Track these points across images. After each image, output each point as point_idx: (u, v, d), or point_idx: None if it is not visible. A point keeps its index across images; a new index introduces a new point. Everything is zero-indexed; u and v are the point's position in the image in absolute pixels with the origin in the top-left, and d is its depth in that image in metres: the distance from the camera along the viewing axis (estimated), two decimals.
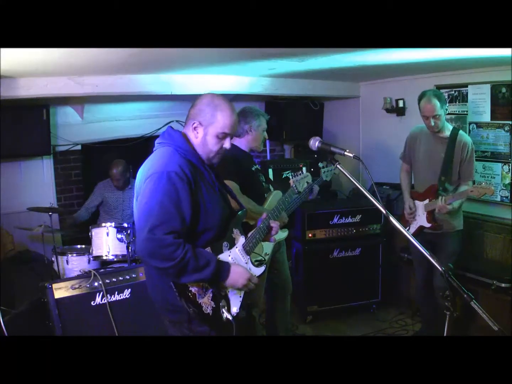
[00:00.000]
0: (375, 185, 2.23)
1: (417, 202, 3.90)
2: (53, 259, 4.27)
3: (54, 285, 3.33)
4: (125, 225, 4.31)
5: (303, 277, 4.63)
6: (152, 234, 2.00)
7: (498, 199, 4.43)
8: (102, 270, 3.88)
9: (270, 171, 5.47)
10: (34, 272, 4.18)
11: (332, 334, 4.44)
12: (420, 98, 3.67)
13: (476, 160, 4.55)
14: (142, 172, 2.24)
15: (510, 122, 4.29)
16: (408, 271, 4.78)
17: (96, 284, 3.49)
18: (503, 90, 4.29)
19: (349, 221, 4.76)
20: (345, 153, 2.12)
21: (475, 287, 4.03)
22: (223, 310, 2.17)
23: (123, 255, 4.19)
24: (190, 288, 2.13)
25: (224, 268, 2.18)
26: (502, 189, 4.43)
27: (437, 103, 3.57)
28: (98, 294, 3.47)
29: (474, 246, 4.51)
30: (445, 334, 1.86)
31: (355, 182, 2.11)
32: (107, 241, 4.21)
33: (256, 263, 2.45)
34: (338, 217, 4.72)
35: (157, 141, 2.35)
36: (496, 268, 4.16)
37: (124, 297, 3.58)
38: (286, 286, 3.75)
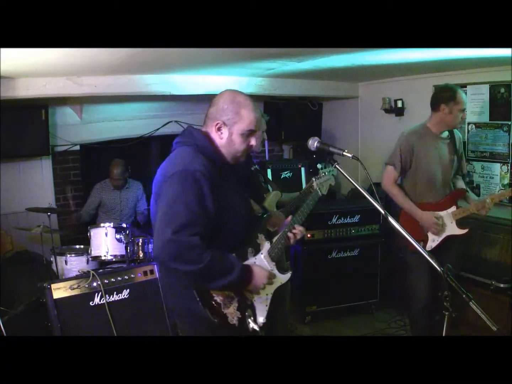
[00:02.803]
0: (374, 186, 2.22)
1: (438, 213, 3.49)
2: (51, 259, 4.26)
3: (53, 286, 3.33)
4: (124, 225, 4.32)
5: (301, 277, 4.62)
6: (177, 236, 1.89)
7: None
8: (100, 270, 3.88)
9: (269, 171, 5.48)
10: (33, 273, 4.18)
11: (331, 335, 4.44)
12: (454, 91, 3.40)
13: (475, 160, 4.59)
14: (163, 170, 2.12)
15: (509, 123, 4.30)
16: (407, 272, 4.77)
17: (94, 284, 3.49)
18: (502, 90, 4.30)
19: (348, 222, 4.76)
20: (344, 153, 2.11)
21: (474, 287, 4.03)
22: (249, 320, 2.08)
23: (121, 256, 4.20)
24: (215, 298, 2.03)
25: (247, 270, 2.08)
26: (501, 189, 4.43)
27: None
28: (96, 294, 3.46)
29: (473, 246, 4.51)
30: (444, 334, 1.86)
31: (353, 183, 2.11)
32: (105, 242, 4.21)
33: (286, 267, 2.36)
34: (336, 217, 4.71)
35: (176, 140, 2.23)
36: (494, 269, 4.16)
37: (123, 297, 3.58)
38: (284, 286, 3.74)
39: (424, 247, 3.41)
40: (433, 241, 3.50)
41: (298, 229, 2.39)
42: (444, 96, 3.43)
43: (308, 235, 4.63)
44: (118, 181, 5.09)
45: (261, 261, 2.22)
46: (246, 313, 2.09)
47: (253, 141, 2.18)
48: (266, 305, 2.20)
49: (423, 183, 3.55)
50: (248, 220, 2.24)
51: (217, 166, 2.12)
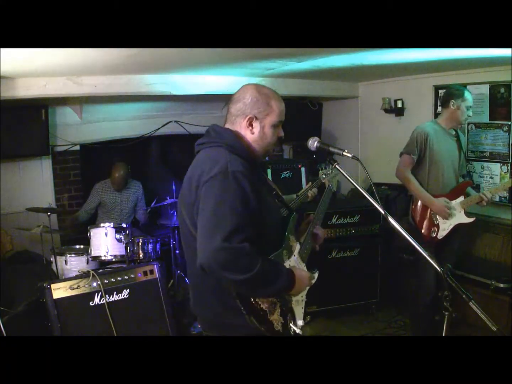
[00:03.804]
0: (374, 185, 2.22)
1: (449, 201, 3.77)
2: (51, 259, 4.27)
3: (53, 286, 3.34)
4: (124, 225, 4.32)
5: None
6: (228, 243, 1.74)
7: (497, 199, 4.43)
8: (100, 270, 3.88)
9: (269, 171, 5.47)
10: (32, 273, 4.18)
11: (331, 335, 4.44)
12: (462, 90, 3.75)
13: (475, 160, 4.58)
14: (196, 174, 1.96)
15: (508, 123, 4.30)
16: (407, 272, 4.78)
17: (94, 284, 3.49)
18: (502, 90, 4.30)
19: (348, 222, 4.76)
20: (344, 153, 2.11)
21: (474, 287, 4.03)
22: (291, 324, 2.02)
23: (121, 256, 4.20)
24: (260, 305, 1.92)
25: (292, 274, 1.98)
26: None
27: None
28: (96, 294, 3.47)
29: (472, 246, 4.51)
30: (444, 334, 1.86)
31: (353, 183, 2.11)
32: (105, 242, 4.21)
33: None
34: (336, 217, 4.71)
35: (200, 141, 2.10)
36: (494, 268, 4.16)
37: (123, 297, 3.58)
38: None
39: (436, 235, 3.75)
40: (444, 229, 3.75)
41: (320, 231, 2.35)
42: (454, 93, 3.76)
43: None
44: (118, 185, 5.10)
45: (294, 263, 2.14)
46: (288, 318, 2.03)
47: (281, 132, 2.14)
48: (302, 307, 2.15)
49: (435, 174, 3.79)
50: (281, 221, 2.17)
51: (251, 165, 2.02)
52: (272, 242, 2.06)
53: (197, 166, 2.00)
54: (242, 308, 1.87)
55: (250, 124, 2.05)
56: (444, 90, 4.77)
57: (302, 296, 2.16)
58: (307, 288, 2.18)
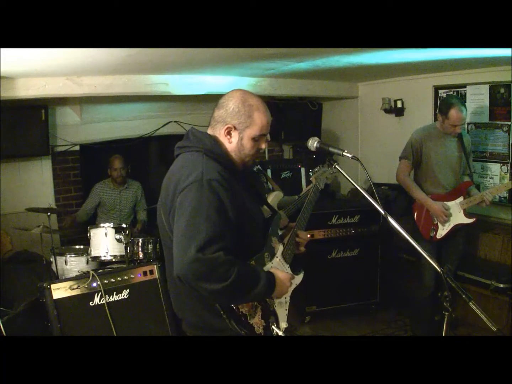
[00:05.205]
0: (374, 186, 2.22)
1: (447, 203, 3.81)
2: (51, 259, 4.26)
3: (53, 286, 3.33)
4: (124, 225, 4.31)
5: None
6: (202, 254, 1.73)
7: (497, 199, 4.43)
8: (100, 270, 3.88)
9: (269, 171, 5.48)
10: (32, 273, 4.18)
11: (331, 335, 4.44)
12: (448, 107, 3.65)
13: (475, 160, 4.59)
14: (173, 181, 1.96)
15: (508, 123, 4.30)
16: (407, 271, 4.78)
17: (94, 284, 3.48)
18: (502, 90, 4.30)
19: (348, 222, 4.76)
20: (344, 153, 2.11)
21: (474, 287, 4.03)
22: (273, 327, 2.02)
23: (121, 256, 4.19)
24: (240, 310, 1.93)
25: (272, 278, 1.96)
26: None
27: (465, 111, 3.67)
28: (96, 294, 3.47)
29: (472, 246, 4.51)
30: (443, 334, 1.86)
31: (353, 183, 2.11)
32: (105, 242, 4.21)
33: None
34: (336, 217, 4.71)
35: (180, 145, 2.08)
36: (494, 268, 4.16)
37: (123, 297, 3.58)
38: None
39: (435, 235, 3.82)
40: (443, 229, 3.80)
41: (302, 237, 2.33)
42: (441, 108, 3.80)
43: (308, 235, 4.61)
44: (119, 171, 5.09)
45: (277, 265, 2.13)
46: (270, 320, 2.03)
47: (263, 145, 2.07)
48: (286, 309, 2.14)
49: (432, 175, 3.86)
50: (263, 224, 2.15)
51: (228, 171, 1.99)
52: (254, 246, 2.06)
53: (175, 172, 2.00)
54: (222, 312, 1.87)
55: (228, 133, 2.01)
56: (444, 90, 4.80)
57: (285, 298, 2.15)
58: (291, 290, 2.17)
